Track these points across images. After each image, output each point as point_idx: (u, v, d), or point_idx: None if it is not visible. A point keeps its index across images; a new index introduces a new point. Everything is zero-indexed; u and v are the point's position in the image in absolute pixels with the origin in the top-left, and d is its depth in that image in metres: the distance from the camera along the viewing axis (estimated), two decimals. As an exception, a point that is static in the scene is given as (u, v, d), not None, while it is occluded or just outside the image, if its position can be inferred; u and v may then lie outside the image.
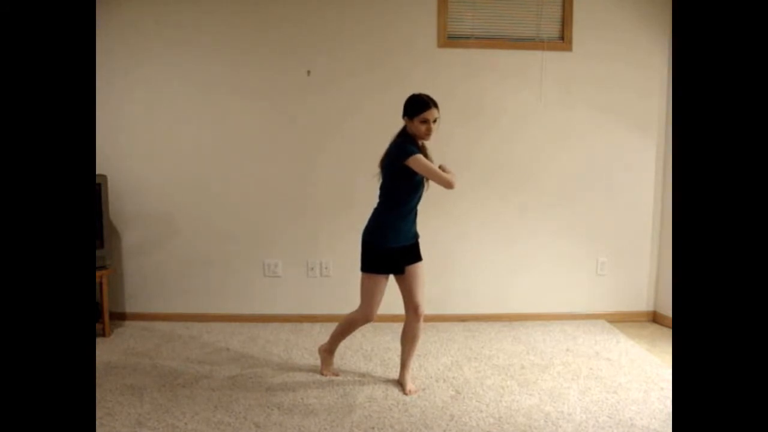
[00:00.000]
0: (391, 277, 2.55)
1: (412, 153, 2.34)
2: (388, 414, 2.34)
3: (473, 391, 2.60)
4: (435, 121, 2.39)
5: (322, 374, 2.76)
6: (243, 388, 2.59)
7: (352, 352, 3.08)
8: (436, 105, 2.39)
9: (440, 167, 2.41)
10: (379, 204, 2.54)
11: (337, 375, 2.76)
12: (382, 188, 2.52)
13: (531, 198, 3.65)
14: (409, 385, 2.60)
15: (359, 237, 2.55)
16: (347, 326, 2.67)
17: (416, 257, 2.57)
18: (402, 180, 2.41)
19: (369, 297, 2.52)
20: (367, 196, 2.65)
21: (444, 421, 2.29)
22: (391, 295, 2.57)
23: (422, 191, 2.52)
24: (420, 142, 2.45)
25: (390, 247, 2.48)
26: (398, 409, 2.40)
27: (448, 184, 2.35)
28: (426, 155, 2.43)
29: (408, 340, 2.59)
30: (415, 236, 2.60)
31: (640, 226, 3.75)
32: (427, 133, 2.40)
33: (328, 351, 2.78)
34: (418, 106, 2.38)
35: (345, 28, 3.50)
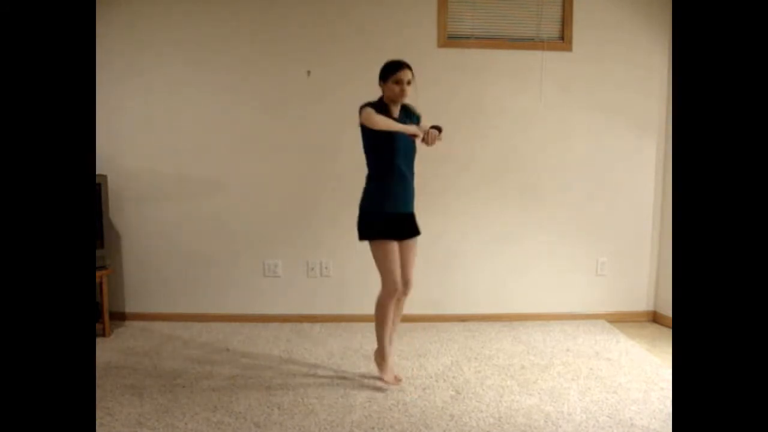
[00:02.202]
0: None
1: (363, 108, 2.37)
2: (388, 414, 2.34)
3: (473, 391, 2.60)
4: (409, 83, 2.45)
5: (383, 381, 2.60)
6: (243, 388, 2.59)
7: (352, 352, 3.08)
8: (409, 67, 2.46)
9: (434, 127, 2.38)
10: (367, 175, 2.54)
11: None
12: (366, 159, 2.53)
13: (531, 198, 3.65)
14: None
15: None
16: (380, 312, 2.53)
17: (414, 230, 2.59)
18: (370, 140, 2.44)
19: (387, 265, 2.46)
20: (367, 196, 2.65)
21: (444, 421, 2.29)
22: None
23: (407, 149, 2.49)
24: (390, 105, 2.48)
25: (385, 212, 2.47)
26: (398, 409, 2.40)
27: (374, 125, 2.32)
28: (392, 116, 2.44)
29: (396, 314, 2.62)
30: (412, 207, 2.59)
31: (640, 226, 3.75)
32: (401, 95, 2.44)
33: (380, 354, 2.63)
34: (390, 68, 2.45)
35: (345, 28, 3.50)
